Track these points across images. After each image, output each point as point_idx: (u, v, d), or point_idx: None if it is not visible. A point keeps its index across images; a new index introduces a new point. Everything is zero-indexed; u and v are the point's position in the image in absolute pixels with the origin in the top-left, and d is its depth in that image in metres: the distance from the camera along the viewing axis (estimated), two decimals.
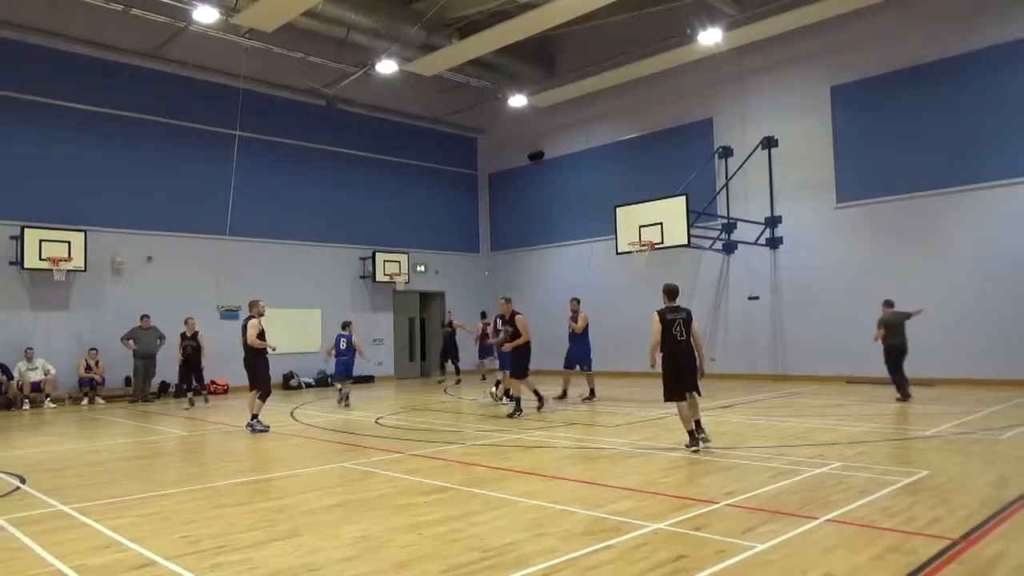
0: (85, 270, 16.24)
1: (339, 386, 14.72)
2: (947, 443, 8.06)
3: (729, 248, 18.23)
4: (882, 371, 13.24)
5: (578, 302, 14.15)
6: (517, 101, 21.19)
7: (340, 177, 21.15)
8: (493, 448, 8.74)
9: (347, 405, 14.13)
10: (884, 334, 12.38)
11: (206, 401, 15.23)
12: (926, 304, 14.86)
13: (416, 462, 7.90)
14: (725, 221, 18.01)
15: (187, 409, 14.19)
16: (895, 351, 12.41)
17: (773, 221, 17.58)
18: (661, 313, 8.22)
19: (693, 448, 7.94)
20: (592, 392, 13.92)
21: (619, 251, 17.10)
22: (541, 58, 21.49)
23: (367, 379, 20.66)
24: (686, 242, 15.92)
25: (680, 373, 8.10)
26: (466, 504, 5.86)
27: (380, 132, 22.23)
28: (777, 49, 17.54)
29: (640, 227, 16.41)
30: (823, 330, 16.52)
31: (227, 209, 18.26)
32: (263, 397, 10.79)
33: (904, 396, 12.35)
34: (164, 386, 17.18)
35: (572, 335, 14.00)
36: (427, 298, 23.52)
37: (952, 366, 14.65)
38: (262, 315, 10.96)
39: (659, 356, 8.20)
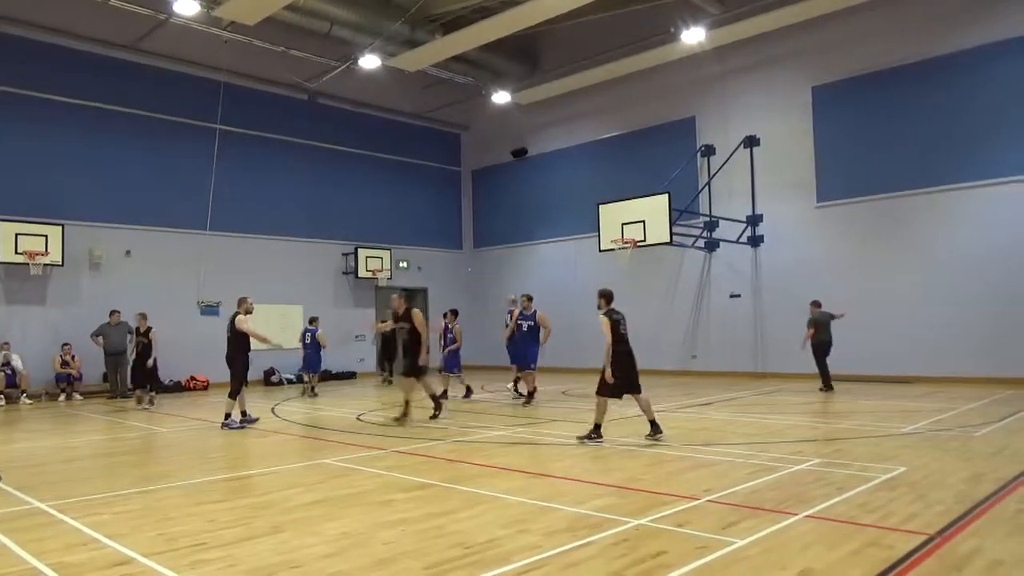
0: (62, 264, 16.02)
1: (306, 378, 15.87)
2: (924, 440, 8.17)
3: (711, 246, 18.33)
4: (861, 369, 13.60)
5: (530, 299, 13.55)
6: (501, 98, 21.16)
7: (322, 172, 21.02)
8: (476, 445, 8.74)
9: (312, 395, 15.34)
10: (813, 332, 13.95)
11: (145, 403, 13.73)
12: (906, 302, 15.22)
13: (398, 459, 7.88)
14: (707, 219, 18.11)
15: (138, 408, 13.35)
16: (822, 346, 13.97)
17: (755, 220, 17.70)
18: (609, 314, 8.54)
19: (597, 439, 8.37)
20: (525, 391, 13.31)
21: (602, 248, 17.14)
22: (525, 55, 21.48)
23: (349, 375, 20.59)
24: (668, 240, 15.98)
25: (628, 372, 8.45)
26: (448, 501, 5.86)
27: (363, 127, 22.12)
28: (759, 49, 17.65)
29: (623, 225, 16.46)
30: (803, 328, 16.60)
31: (207, 203, 18.10)
32: (233, 395, 10.67)
33: (827, 386, 13.87)
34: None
35: (526, 333, 13.14)
36: (410, 294, 23.40)
37: (931, 364, 14.85)
38: (250, 312, 11.01)
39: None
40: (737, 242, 17.64)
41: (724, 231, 17.95)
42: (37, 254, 15.51)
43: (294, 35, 18.08)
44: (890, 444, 7.97)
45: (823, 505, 5.37)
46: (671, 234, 15.90)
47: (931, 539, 4.51)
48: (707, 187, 18.23)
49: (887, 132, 15.80)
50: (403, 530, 5.00)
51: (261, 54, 18.36)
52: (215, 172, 18.13)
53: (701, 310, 18.68)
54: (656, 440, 8.29)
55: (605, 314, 8.56)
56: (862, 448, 7.80)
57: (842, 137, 16.47)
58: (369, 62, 18.13)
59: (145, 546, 4.73)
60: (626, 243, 16.42)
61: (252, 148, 19.54)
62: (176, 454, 9.00)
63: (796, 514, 5.13)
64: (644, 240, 16.17)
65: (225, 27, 16.87)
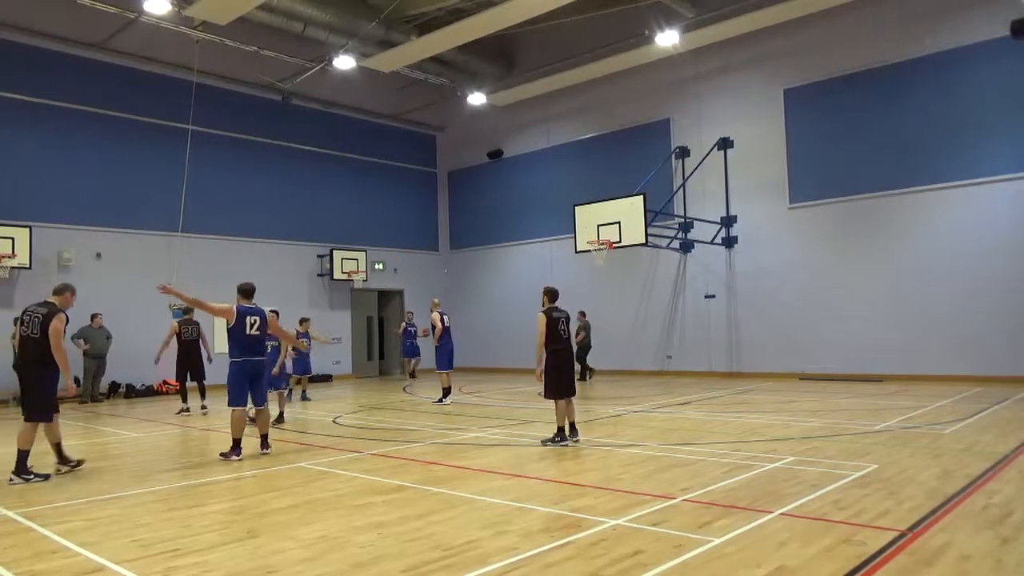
0: (30, 267, 15.71)
1: None
2: (895, 437, 8.30)
3: (686, 247, 18.47)
4: (833, 368, 13.79)
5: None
6: (476, 99, 21.15)
7: (297, 173, 20.86)
8: (452, 447, 8.72)
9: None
10: (583, 337, 17.31)
11: None
12: (877, 302, 15.48)
13: (374, 461, 7.84)
14: (682, 220, 18.24)
15: None
16: (586, 347, 17.56)
17: (728, 221, 17.86)
18: (547, 313, 8.58)
19: (562, 443, 8.39)
20: (442, 391, 13.68)
21: (578, 250, 17.19)
22: (500, 56, 21.49)
23: (325, 378, 20.43)
24: (644, 241, 16.06)
25: (565, 373, 8.56)
26: (425, 503, 5.84)
27: (338, 128, 21.98)
28: (732, 52, 17.83)
29: (599, 226, 16.52)
30: (777, 328, 16.86)
31: (180, 205, 17.84)
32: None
33: (589, 375, 17.65)
34: (115, 386, 16.77)
35: None
36: (385, 296, 23.36)
37: (902, 363, 15.09)
38: None
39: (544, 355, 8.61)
40: (711, 243, 17.79)
41: (699, 232, 18.09)
42: (4, 256, 15.21)
43: (267, 35, 17.93)
44: (862, 442, 8.08)
45: (797, 503, 5.44)
46: (646, 235, 15.98)
47: (902, 535, 4.59)
48: (682, 188, 18.37)
49: (858, 134, 16.03)
50: (380, 533, 4.98)
51: (234, 54, 18.17)
52: (187, 173, 17.85)
53: (676, 311, 18.80)
54: (576, 443, 8.47)
55: (545, 311, 8.59)
56: (835, 446, 7.90)
57: (814, 139, 16.68)
58: (344, 63, 18.02)
59: (117, 553, 4.66)
60: (602, 244, 16.48)
61: (225, 149, 19.32)
62: (149, 459, 8.87)
63: (771, 512, 5.19)
64: (620, 241, 16.23)
65: (196, 26, 16.67)
